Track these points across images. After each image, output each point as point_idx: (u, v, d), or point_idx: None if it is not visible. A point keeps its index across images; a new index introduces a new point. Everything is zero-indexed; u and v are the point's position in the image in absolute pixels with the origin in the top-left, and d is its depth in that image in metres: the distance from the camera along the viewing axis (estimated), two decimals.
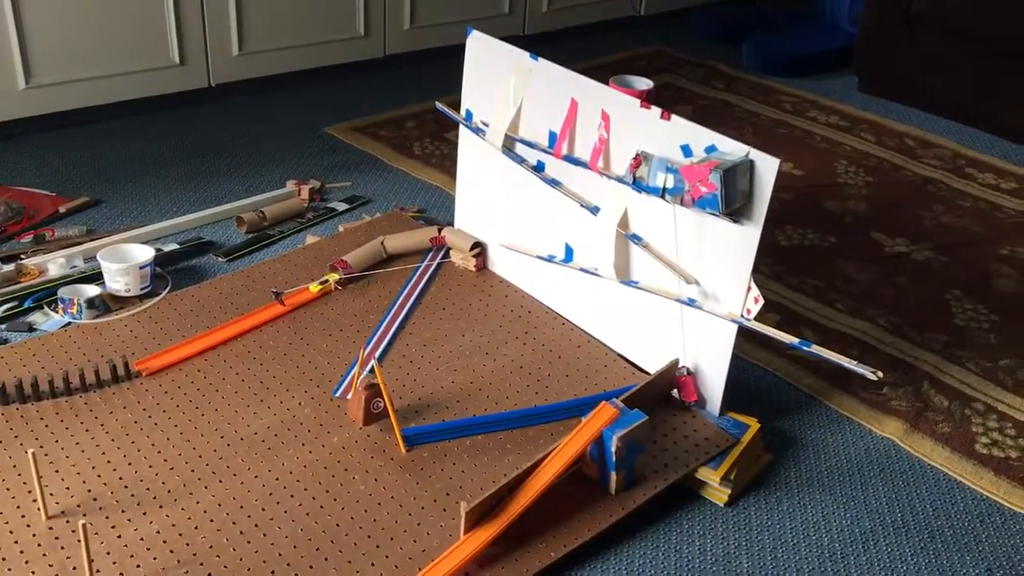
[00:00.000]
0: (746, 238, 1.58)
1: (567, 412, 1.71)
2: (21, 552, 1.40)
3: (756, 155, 1.54)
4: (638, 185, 1.65)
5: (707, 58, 3.68)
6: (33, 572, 1.37)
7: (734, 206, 1.54)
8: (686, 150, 1.62)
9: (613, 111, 1.74)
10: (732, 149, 1.56)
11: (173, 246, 2.20)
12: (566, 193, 1.88)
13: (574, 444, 1.52)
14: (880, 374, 1.55)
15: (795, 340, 1.62)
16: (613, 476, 1.54)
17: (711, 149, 1.59)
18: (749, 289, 1.60)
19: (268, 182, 2.58)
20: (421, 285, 2.09)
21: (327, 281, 2.03)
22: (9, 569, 1.37)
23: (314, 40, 3.13)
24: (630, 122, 1.71)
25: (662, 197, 1.61)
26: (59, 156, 2.64)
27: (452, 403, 1.76)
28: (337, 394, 1.77)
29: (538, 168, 1.93)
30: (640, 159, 1.63)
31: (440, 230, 2.21)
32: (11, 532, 1.43)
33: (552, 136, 1.86)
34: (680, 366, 1.74)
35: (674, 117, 1.65)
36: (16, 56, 2.58)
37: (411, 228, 2.29)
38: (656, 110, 1.66)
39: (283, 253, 2.23)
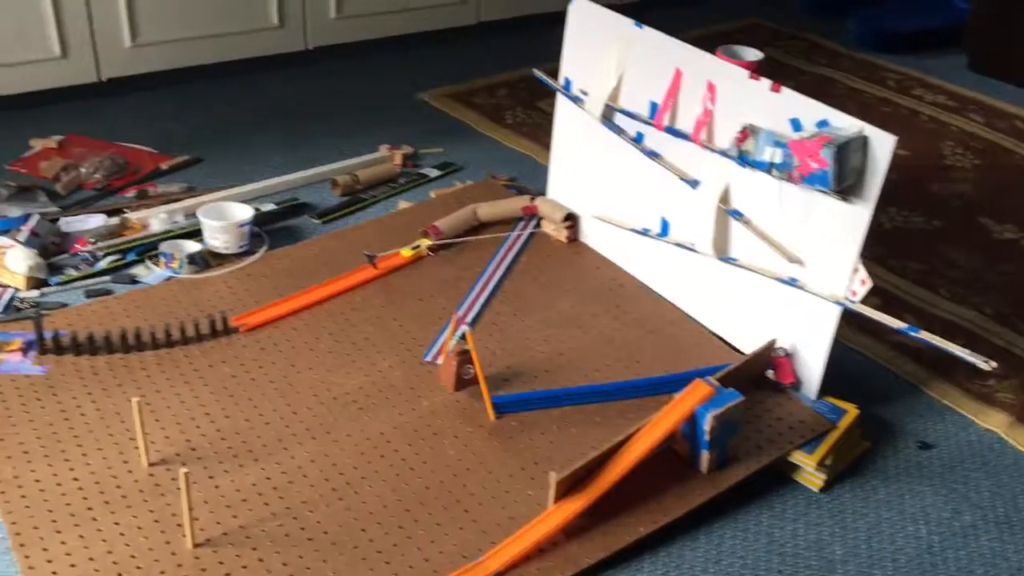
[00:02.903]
0: (855, 218, 1.53)
1: (659, 388, 1.69)
2: (123, 497, 1.45)
3: (871, 131, 1.48)
4: (743, 159, 1.61)
5: (808, 32, 3.56)
6: (135, 517, 1.41)
7: (845, 184, 1.48)
8: (796, 124, 1.57)
9: (720, 82, 1.69)
10: (845, 124, 1.51)
11: (270, 206, 2.24)
12: (665, 166, 1.84)
13: (667, 420, 1.50)
14: (994, 364, 1.49)
15: (903, 325, 1.56)
16: (705, 455, 1.51)
17: (823, 124, 1.53)
18: (856, 271, 1.55)
19: (362, 146, 2.59)
20: (512, 254, 2.08)
21: (419, 246, 2.03)
22: (112, 512, 1.42)
23: (411, 5, 3.13)
24: (737, 94, 1.66)
25: (768, 172, 1.57)
26: (161, 114, 2.70)
27: (541, 373, 1.76)
28: (427, 358, 1.77)
29: (637, 139, 1.89)
30: (747, 132, 1.59)
31: (532, 199, 2.19)
32: (114, 477, 1.48)
33: (653, 107, 1.82)
34: (777, 347, 1.70)
35: (784, 89, 1.60)
36: (123, 15, 2.64)
37: (503, 196, 2.28)
38: (765, 82, 1.61)
39: (376, 217, 2.25)
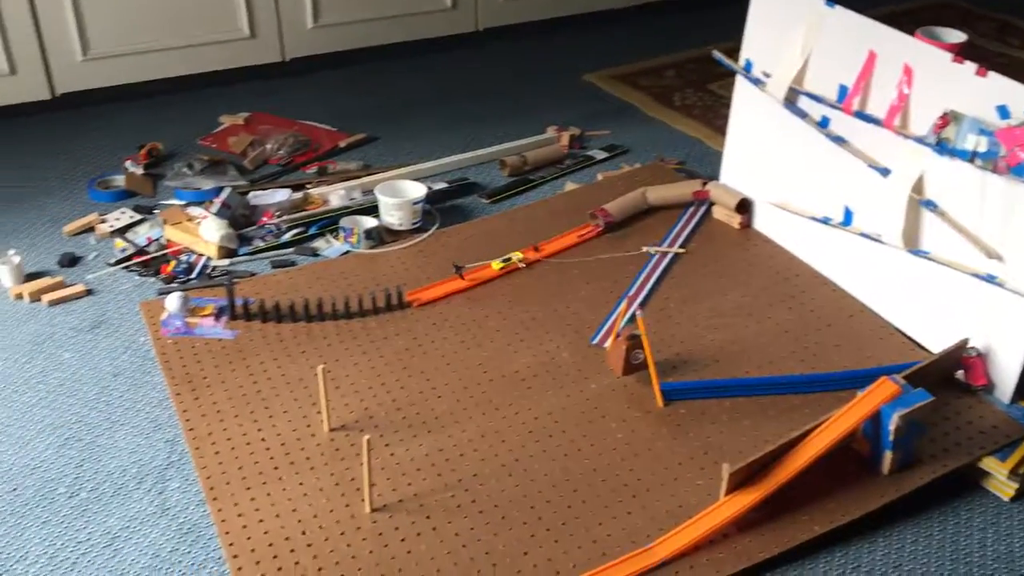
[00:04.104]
0: None
1: (838, 384, 1.62)
2: (307, 459, 1.51)
3: None
4: (942, 147, 1.52)
5: (1004, 12, 3.33)
6: (317, 479, 1.48)
7: None
8: (1003, 111, 1.47)
9: (918, 65, 1.60)
10: None
11: (442, 185, 2.28)
12: (852, 152, 1.76)
13: (849, 418, 1.44)
14: None
15: None
16: (888, 455, 1.45)
17: None
18: None
19: (529, 127, 2.60)
20: (682, 239, 2.05)
21: (510, 259, 1.96)
22: (296, 473, 1.49)
23: None
24: (937, 78, 1.57)
25: (971, 162, 1.47)
26: (339, 93, 2.80)
27: (711, 362, 1.72)
28: (595, 341, 1.77)
29: (822, 124, 1.82)
30: (947, 119, 1.50)
31: (704, 184, 2.15)
32: (298, 440, 1.55)
33: (842, 90, 1.75)
34: (969, 346, 1.61)
35: (991, 74, 1.50)
36: None
37: (672, 180, 2.25)
38: (970, 65, 1.52)
39: (543, 198, 2.26)
